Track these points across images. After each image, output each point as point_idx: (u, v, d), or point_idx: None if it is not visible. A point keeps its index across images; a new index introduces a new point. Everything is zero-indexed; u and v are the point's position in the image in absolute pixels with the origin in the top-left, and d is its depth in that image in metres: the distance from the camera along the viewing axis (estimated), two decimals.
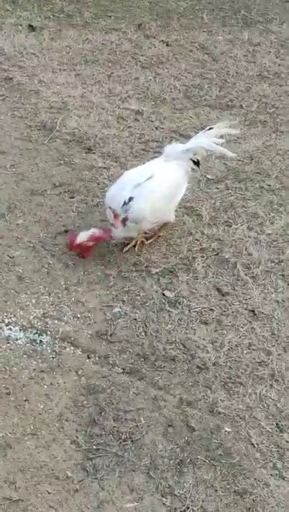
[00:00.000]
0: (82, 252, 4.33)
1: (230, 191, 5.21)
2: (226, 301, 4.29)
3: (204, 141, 4.45)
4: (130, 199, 4.23)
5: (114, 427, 3.53)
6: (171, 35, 7.33)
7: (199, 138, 4.48)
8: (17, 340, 3.90)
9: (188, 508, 3.25)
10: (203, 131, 4.56)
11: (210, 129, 4.53)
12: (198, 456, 3.45)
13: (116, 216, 4.28)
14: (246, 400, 3.72)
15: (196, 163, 4.55)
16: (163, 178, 4.34)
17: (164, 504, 3.25)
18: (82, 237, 4.26)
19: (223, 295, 4.32)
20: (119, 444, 3.45)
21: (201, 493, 3.30)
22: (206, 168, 5.38)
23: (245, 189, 5.25)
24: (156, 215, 4.40)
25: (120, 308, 4.16)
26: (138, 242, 4.48)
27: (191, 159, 4.51)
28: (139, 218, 4.30)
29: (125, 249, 4.46)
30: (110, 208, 4.31)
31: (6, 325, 3.97)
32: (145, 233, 4.49)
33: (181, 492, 3.30)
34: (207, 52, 7.11)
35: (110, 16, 7.59)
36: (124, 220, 4.28)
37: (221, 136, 4.56)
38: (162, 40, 7.23)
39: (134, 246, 4.48)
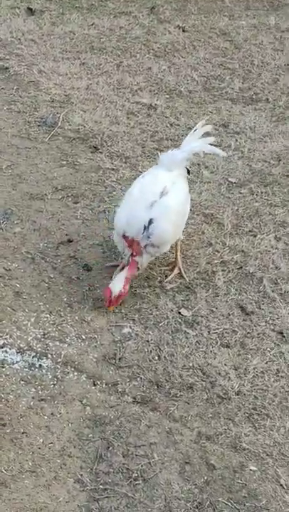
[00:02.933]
0: (121, 298, 4.22)
1: (255, 196, 5.22)
2: (251, 321, 4.29)
3: (197, 144, 4.42)
4: (150, 222, 4.15)
5: (123, 463, 3.52)
6: (188, 20, 7.37)
7: (191, 142, 4.43)
8: (13, 364, 3.90)
9: None
10: (190, 134, 4.50)
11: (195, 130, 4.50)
12: (220, 499, 3.43)
13: (135, 244, 4.16)
14: (274, 434, 3.71)
15: (188, 171, 4.60)
16: (176, 191, 4.29)
17: None
18: (116, 288, 4.13)
19: (248, 314, 4.32)
20: (129, 484, 3.45)
21: None
22: (228, 171, 5.40)
23: (272, 194, 5.25)
24: (176, 234, 4.36)
25: (130, 328, 4.16)
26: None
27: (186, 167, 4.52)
28: (163, 241, 4.22)
29: (168, 279, 4.42)
30: (126, 236, 4.20)
31: (1, 347, 3.98)
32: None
33: None
34: (229, 39, 7.14)
35: None
36: (146, 247, 4.19)
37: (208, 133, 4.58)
38: (178, 26, 7.27)
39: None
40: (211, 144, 4.47)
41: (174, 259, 4.53)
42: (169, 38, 7.04)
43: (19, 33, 6.84)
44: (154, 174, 4.35)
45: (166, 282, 4.35)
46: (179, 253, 4.48)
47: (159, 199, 4.19)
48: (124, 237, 4.19)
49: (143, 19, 7.29)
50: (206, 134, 4.55)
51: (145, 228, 4.14)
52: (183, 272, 4.44)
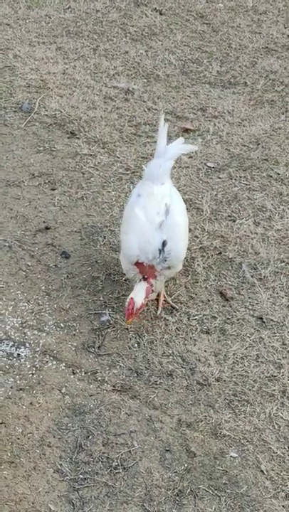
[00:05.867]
0: (140, 311, 4.02)
1: (233, 181, 5.19)
2: (230, 307, 4.28)
3: (174, 149, 4.27)
4: (164, 244, 3.95)
5: (103, 452, 3.51)
6: (165, 3, 7.30)
7: (170, 150, 4.27)
8: None
9: None
10: (159, 137, 4.24)
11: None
12: (200, 486, 3.43)
13: (149, 268, 3.97)
14: (254, 420, 3.71)
15: None
16: (176, 204, 4.11)
17: None
18: (139, 300, 3.91)
19: (227, 300, 4.31)
20: (109, 473, 3.44)
21: None
22: (206, 155, 5.37)
23: (250, 178, 5.23)
24: (186, 246, 4.19)
25: (109, 316, 4.14)
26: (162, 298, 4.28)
27: None
28: (178, 260, 4.08)
29: (159, 311, 4.23)
30: (139, 263, 3.96)
31: None
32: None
33: None
34: (206, 22, 7.09)
35: None
36: (162, 270, 4.01)
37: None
38: (155, 9, 7.20)
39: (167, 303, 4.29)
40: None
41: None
42: (146, 21, 6.98)
43: None
44: (149, 192, 4.08)
45: (160, 314, 4.23)
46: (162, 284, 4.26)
47: (165, 218, 3.99)
48: (138, 263, 3.98)
49: (120, 2, 7.21)
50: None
51: (160, 252, 3.94)
52: (168, 299, 4.27)
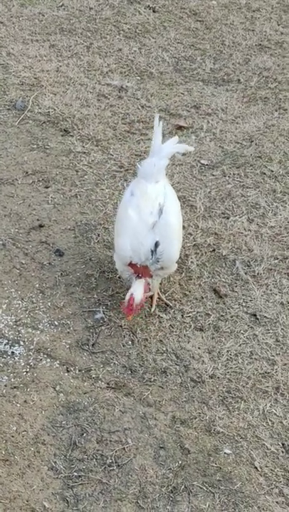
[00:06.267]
0: (140, 307, 4.02)
1: (227, 178, 5.19)
2: (224, 304, 4.28)
3: (169, 148, 4.26)
4: (156, 245, 3.93)
5: (97, 450, 3.51)
6: (159, 0, 7.29)
7: (164, 148, 4.26)
8: None
9: None
10: (153, 137, 4.23)
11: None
12: (194, 483, 3.44)
13: (143, 269, 3.96)
14: (248, 417, 3.71)
15: None
16: (170, 204, 4.07)
17: None
18: (138, 296, 3.90)
19: (221, 297, 4.32)
20: (103, 470, 3.44)
21: None
22: (200, 153, 5.37)
23: (244, 176, 5.24)
24: (180, 246, 4.14)
25: (103, 313, 4.14)
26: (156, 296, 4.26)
27: None
28: (172, 261, 4.06)
29: (153, 309, 4.21)
30: (132, 264, 3.96)
31: None
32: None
33: None
34: (199, 20, 7.08)
35: None
36: (155, 270, 4.00)
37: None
38: (148, 6, 7.19)
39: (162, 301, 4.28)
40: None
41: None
42: (139, 18, 6.97)
43: None
44: (143, 191, 4.05)
45: (154, 311, 4.23)
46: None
47: (158, 219, 3.96)
48: (131, 264, 3.97)
49: (113, 0, 7.20)
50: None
51: (152, 252, 3.92)
52: (162, 296, 4.26)
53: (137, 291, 3.92)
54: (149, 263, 3.94)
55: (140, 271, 3.97)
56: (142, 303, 3.95)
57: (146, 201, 4.01)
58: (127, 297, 3.89)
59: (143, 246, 3.93)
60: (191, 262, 4.50)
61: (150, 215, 3.97)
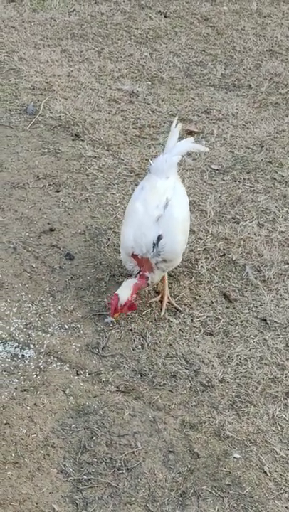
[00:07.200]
0: (129, 309, 4.04)
1: (237, 183, 5.20)
2: (234, 308, 4.28)
3: (183, 145, 4.28)
4: (159, 238, 3.96)
5: (107, 453, 3.51)
6: (170, 6, 7.32)
7: (178, 145, 4.26)
8: None
9: None
10: (169, 136, 4.30)
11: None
12: (204, 487, 3.43)
13: (146, 262, 4.00)
14: (257, 421, 3.71)
15: None
16: (178, 199, 4.11)
17: None
18: (123, 296, 3.95)
19: (231, 302, 4.31)
20: (112, 473, 3.44)
21: None
22: (210, 158, 5.38)
23: (254, 181, 5.24)
24: (185, 242, 4.20)
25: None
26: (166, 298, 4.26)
27: None
28: (174, 255, 4.06)
29: (162, 313, 4.22)
30: (135, 255, 4.00)
31: None
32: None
33: None
34: (210, 25, 7.10)
35: None
36: (157, 264, 4.02)
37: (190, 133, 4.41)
38: (159, 11, 7.22)
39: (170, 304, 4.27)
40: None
41: (161, 288, 4.32)
42: (150, 24, 6.99)
43: None
44: (152, 185, 4.10)
45: (163, 315, 4.23)
46: (166, 282, 4.26)
47: (163, 212, 4.01)
48: (134, 255, 4.01)
49: (124, 5, 7.23)
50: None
51: (154, 245, 3.96)
52: (172, 300, 4.26)
53: (123, 291, 3.96)
54: (150, 256, 3.97)
55: (142, 263, 4.00)
56: (128, 304, 3.97)
57: (154, 195, 4.07)
58: (112, 296, 3.94)
59: (145, 237, 3.97)
60: (201, 266, 4.50)
61: (156, 209, 4.02)
